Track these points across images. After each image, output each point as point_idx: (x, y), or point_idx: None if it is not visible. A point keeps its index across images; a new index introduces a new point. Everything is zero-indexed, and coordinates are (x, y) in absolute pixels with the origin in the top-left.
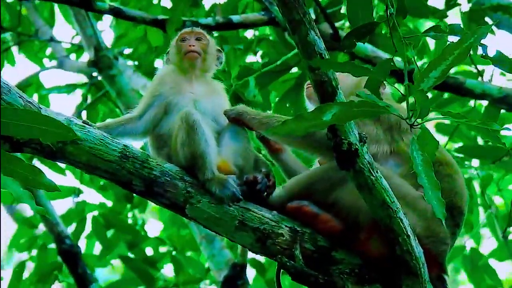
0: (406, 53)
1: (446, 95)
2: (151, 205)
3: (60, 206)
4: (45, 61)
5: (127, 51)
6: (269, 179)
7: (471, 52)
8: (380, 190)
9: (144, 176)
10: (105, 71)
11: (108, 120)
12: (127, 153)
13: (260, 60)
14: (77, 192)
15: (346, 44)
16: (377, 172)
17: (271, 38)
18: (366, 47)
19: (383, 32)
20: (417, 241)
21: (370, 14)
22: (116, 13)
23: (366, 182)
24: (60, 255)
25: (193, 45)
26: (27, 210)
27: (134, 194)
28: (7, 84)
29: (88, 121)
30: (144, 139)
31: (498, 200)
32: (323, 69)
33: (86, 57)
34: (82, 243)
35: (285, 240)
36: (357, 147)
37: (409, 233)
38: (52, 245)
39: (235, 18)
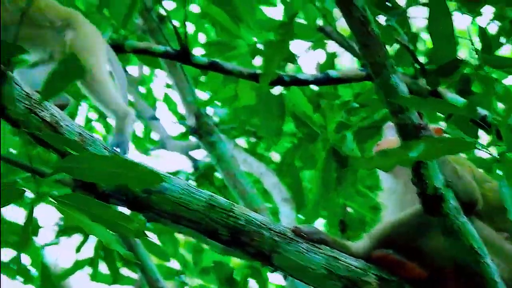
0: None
1: None
2: None
3: None
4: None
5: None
6: None
7: None
8: (466, 235)
9: (229, 225)
10: (206, 138)
11: None
12: (213, 202)
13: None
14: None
15: (430, 82)
16: (463, 217)
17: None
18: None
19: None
20: (505, 286)
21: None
22: (213, 67)
23: (452, 227)
24: None
25: None
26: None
27: None
28: (91, 136)
29: None
30: None
31: None
32: (407, 106)
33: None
34: None
35: None
36: (442, 192)
37: (496, 279)
38: None
39: (333, 73)
